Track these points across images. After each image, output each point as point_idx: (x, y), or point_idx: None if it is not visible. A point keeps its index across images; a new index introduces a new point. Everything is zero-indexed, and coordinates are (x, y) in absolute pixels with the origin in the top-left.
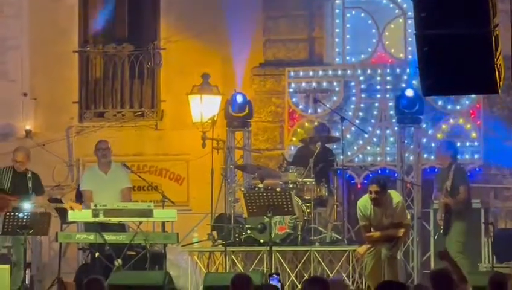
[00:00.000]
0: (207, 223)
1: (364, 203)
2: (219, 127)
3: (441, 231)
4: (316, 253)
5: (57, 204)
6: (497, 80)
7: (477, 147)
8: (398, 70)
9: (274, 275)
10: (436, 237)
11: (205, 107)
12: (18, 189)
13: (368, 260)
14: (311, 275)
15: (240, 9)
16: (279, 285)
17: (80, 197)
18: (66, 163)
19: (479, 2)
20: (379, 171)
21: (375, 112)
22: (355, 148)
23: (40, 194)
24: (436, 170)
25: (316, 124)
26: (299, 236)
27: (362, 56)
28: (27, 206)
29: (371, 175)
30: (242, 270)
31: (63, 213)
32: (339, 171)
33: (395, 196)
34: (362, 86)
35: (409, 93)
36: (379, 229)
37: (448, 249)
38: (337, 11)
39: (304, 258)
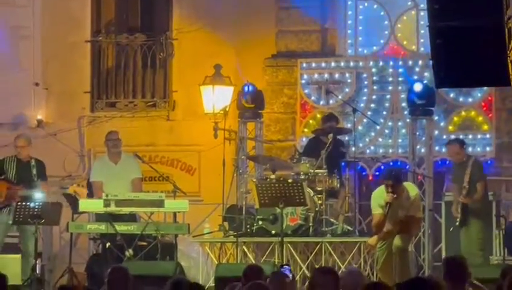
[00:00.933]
0: (218, 214)
1: (380, 193)
2: (231, 118)
3: (457, 224)
4: (327, 244)
5: (63, 191)
6: (510, 73)
7: (489, 140)
8: (410, 63)
9: (285, 266)
10: (451, 229)
11: (217, 98)
12: (23, 177)
13: (379, 254)
14: (323, 266)
15: (252, 0)
16: (290, 276)
17: (90, 188)
18: (77, 153)
19: None
20: (391, 163)
21: (387, 104)
22: (367, 140)
23: (43, 181)
24: (447, 162)
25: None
26: (311, 227)
27: (374, 48)
28: (38, 195)
29: (382, 167)
30: (253, 261)
31: (74, 203)
32: (350, 163)
33: (412, 189)
34: (374, 78)
35: (421, 85)
36: (392, 221)
37: (464, 245)
38: (349, 2)
39: (316, 250)
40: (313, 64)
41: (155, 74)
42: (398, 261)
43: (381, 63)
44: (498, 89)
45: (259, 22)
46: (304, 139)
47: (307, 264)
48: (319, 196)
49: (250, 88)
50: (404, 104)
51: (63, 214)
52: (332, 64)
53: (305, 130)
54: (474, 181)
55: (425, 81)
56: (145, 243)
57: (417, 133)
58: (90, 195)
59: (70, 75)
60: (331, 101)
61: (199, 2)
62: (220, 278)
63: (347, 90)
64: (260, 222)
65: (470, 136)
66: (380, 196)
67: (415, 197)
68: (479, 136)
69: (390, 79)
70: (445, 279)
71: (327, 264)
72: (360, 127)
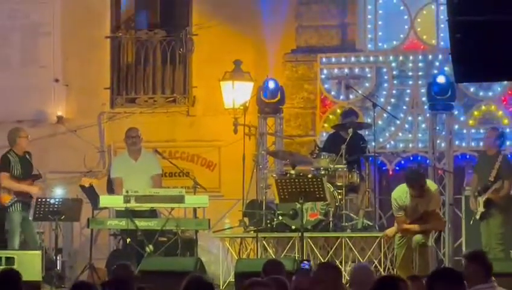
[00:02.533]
0: (238, 209)
1: (399, 194)
2: (251, 113)
3: (477, 217)
4: (347, 239)
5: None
6: None
7: (509, 134)
8: (430, 57)
9: (305, 261)
10: (471, 223)
11: (237, 93)
12: (27, 172)
13: (398, 250)
14: (343, 261)
15: None
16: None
17: (110, 185)
18: (97, 149)
19: None
20: (411, 158)
21: (407, 99)
22: (387, 134)
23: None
24: (467, 156)
25: (346, 109)
26: (331, 222)
27: (394, 42)
28: (59, 191)
29: (402, 162)
30: (273, 257)
31: (94, 199)
32: (370, 158)
33: (431, 185)
34: (394, 73)
35: (441, 80)
36: (413, 218)
37: (484, 238)
38: None
39: (336, 245)
40: (333, 59)
41: (175, 69)
42: (418, 256)
43: (401, 58)
44: None
45: (279, 16)
46: (324, 134)
47: (327, 259)
48: (339, 191)
49: (271, 83)
50: (424, 99)
51: (83, 210)
52: (352, 59)
53: (325, 125)
54: (502, 177)
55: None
56: (165, 239)
57: (437, 128)
58: (111, 191)
59: (90, 71)
60: (351, 96)
61: None
62: (240, 273)
63: (367, 85)
64: (280, 217)
65: None
66: (399, 197)
67: (434, 192)
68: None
69: (410, 74)
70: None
71: (347, 259)
72: (380, 122)
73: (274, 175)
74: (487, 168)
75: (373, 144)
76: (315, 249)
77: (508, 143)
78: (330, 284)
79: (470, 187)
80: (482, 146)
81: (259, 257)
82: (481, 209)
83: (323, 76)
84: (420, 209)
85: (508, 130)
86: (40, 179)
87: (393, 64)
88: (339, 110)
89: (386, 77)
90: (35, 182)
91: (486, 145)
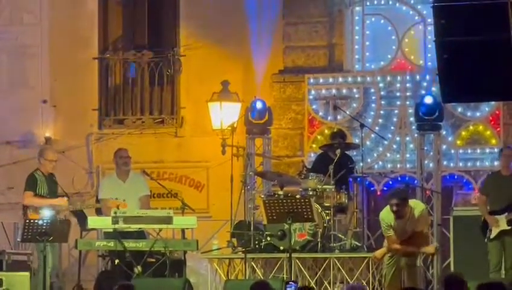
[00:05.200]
0: (227, 230)
1: (386, 214)
2: (239, 134)
3: (491, 236)
4: (335, 260)
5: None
6: None
7: (497, 154)
8: (417, 77)
9: (291, 282)
10: (486, 241)
11: (225, 114)
12: (53, 191)
13: (386, 270)
14: (331, 282)
15: (259, 16)
16: None
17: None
18: (85, 170)
19: (498, 9)
20: (399, 178)
21: (394, 119)
22: (375, 155)
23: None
24: (455, 176)
25: (334, 130)
26: (319, 243)
27: (382, 63)
28: (48, 213)
29: (390, 182)
30: (262, 277)
31: (82, 220)
32: (358, 178)
33: (418, 206)
34: (382, 93)
35: (429, 100)
36: (402, 238)
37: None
38: (356, 17)
39: (324, 265)
40: (321, 80)
41: (163, 90)
42: (406, 276)
43: (388, 78)
44: (506, 103)
45: (267, 37)
46: (312, 154)
47: (315, 279)
48: (327, 211)
49: (258, 104)
50: (412, 119)
51: (72, 232)
52: (340, 79)
53: (313, 145)
54: None
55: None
56: (153, 260)
57: (425, 148)
58: (99, 212)
59: (78, 92)
60: (338, 117)
61: (206, 18)
62: None
63: (355, 105)
64: (268, 238)
65: (478, 151)
66: (387, 217)
67: (421, 212)
68: (487, 151)
69: (398, 94)
70: None
71: (335, 280)
72: (368, 142)
73: (262, 196)
74: (506, 187)
75: (361, 164)
76: (303, 270)
77: (496, 163)
78: None
79: (458, 208)
80: (498, 166)
81: (247, 277)
82: (503, 227)
83: (311, 96)
84: (409, 230)
85: (496, 150)
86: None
87: (381, 85)
88: (326, 131)
89: (373, 98)
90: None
91: (504, 166)
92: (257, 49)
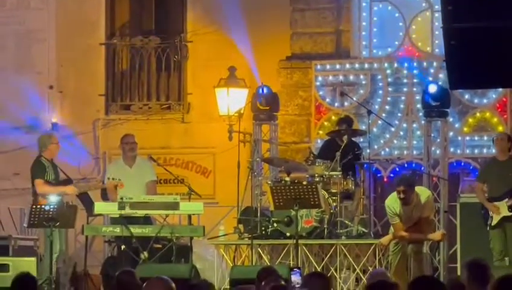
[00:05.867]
0: (233, 216)
1: (392, 201)
2: (246, 120)
3: (492, 223)
4: (342, 246)
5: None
6: None
7: (491, 141)
8: (425, 64)
9: (295, 269)
10: (488, 229)
11: (232, 100)
12: (58, 177)
13: (392, 257)
14: (338, 268)
15: (267, 2)
16: (300, 279)
17: (105, 190)
18: (92, 156)
19: None
20: (405, 165)
21: (401, 106)
22: (381, 141)
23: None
24: (462, 163)
25: (341, 116)
26: (326, 229)
27: (389, 49)
28: (55, 198)
29: (397, 169)
30: (268, 264)
31: (89, 206)
32: (365, 165)
33: (424, 192)
34: (389, 80)
35: (436, 87)
36: (408, 224)
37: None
38: (364, 4)
39: (330, 252)
40: (328, 66)
41: (169, 76)
42: (413, 263)
43: (395, 65)
44: None
45: (274, 23)
46: (319, 141)
47: (321, 266)
48: (334, 198)
49: (265, 90)
50: (419, 106)
51: (78, 217)
52: (347, 66)
53: (320, 132)
54: None
55: (439, 83)
56: (160, 246)
57: (432, 135)
58: (105, 198)
59: (85, 78)
60: (345, 103)
61: (213, 4)
62: (235, 280)
63: (362, 92)
64: (275, 224)
65: (485, 138)
66: (392, 204)
67: (426, 199)
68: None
69: (405, 81)
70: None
71: (342, 266)
72: (374, 129)
73: (269, 182)
74: (502, 173)
75: (368, 151)
76: (310, 256)
77: None
78: None
79: (465, 195)
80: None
81: (253, 264)
82: (504, 213)
83: (318, 83)
84: (415, 216)
85: None
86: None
87: (388, 71)
88: (333, 117)
89: (380, 84)
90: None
91: (498, 157)
92: (264, 36)
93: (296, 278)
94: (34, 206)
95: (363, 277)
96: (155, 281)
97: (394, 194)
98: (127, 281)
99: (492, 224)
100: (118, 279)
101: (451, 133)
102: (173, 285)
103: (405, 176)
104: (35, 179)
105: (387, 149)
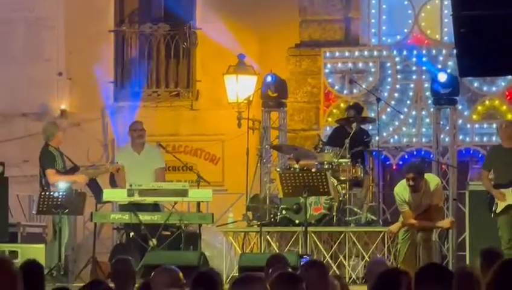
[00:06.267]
0: (242, 204)
1: (401, 189)
2: (255, 107)
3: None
4: (351, 234)
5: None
6: None
7: (496, 129)
8: (434, 52)
9: (305, 256)
10: (492, 216)
11: (241, 87)
12: (65, 165)
13: (401, 245)
14: (347, 256)
15: None
16: None
17: (113, 177)
18: (100, 143)
19: None
20: (414, 153)
21: (410, 93)
22: (390, 129)
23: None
24: (471, 151)
25: (350, 103)
26: (335, 217)
27: (398, 37)
28: (63, 185)
29: (406, 156)
30: (277, 251)
31: (98, 193)
32: (374, 153)
33: (433, 179)
34: (398, 67)
35: (445, 75)
36: (417, 212)
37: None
38: None
39: (339, 239)
40: (337, 54)
41: (178, 63)
42: (422, 251)
43: (404, 52)
44: None
45: (283, 11)
46: (328, 128)
47: (330, 253)
48: (343, 185)
49: (274, 78)
50: (428, 94)
51: (87, 204)
52: (356, 53)
53: (329, 119)
54: None
55: (449, 70)
56: (168, 233)
57: (441, 123)
58: (114, 185)
59: (94, 65)
60: (354, 91)
61: None
62: (244, 267)
63: (371, 79)
64: (284, 212)
65: (494, 125)
66: (401, 192)
67: (436, 186)
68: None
69: (414, 68)
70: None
71: (351, 253)
72: (383, 117)
73: (278, 169)
74: (509, 160)
75: (377, 138)
76: (319, 244)
77: None
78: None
79: (474, 182)
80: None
81: (262, 251)
82: (510, 201)
83: (327, 70)
84: (424, 203)
85: None
86: (79, 171)
87: (397, 59)
88: (342, 105)
89: (389, 72)
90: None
91: (504, 138)
92: (273, 23)
93: None
94: (42, 193)
95: None
96: (162, 271)
97: (403, 181)
98: (122, 269)
99: (497, 211)
100: (113, 267)
101: (460, 121)
102: (181, 274)
103: (414, 163)
104: (47, 170)
105: (396, 137)
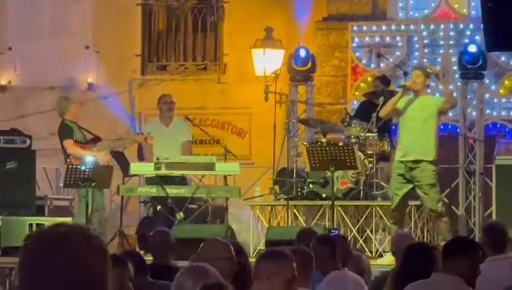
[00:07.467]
0: (269, 177)
1: None
2: (282, 81)
3: None
4: (378, 208)
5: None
6: None
7: None
8: (461, 26)
9: (333, 230)
10: None
11: (268, 61)
12: (84, 136)
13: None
14: (373, 230)
15: None
16: None
17: (141, 151)
18: (128, 116)
19: None
20: (441, 127)
21: (437, 68)
22: None
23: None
24: (498, 125)
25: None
26: (361, 191)
27: (425, 11)
28: (90, 159)
29: None
30: (304, 225)
31: (125, 166)
32: None
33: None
34: (425, 41)
35: (472, 48)
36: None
37: None
38: None
39: (366, 213)
40: (364, 28)
41: (206, 37)
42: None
43: (432, 27)
44: None
45: None
46: (355, 102)
47: (357, 227)
48: (370, 159)
49: (302, 51)
50: (455, 68)
51: (114, 177)
52: (383, 27)
53: (356, 93)
54: None
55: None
56: (195, 206)
57: (468, 97)
58: (141, 158)
59: (121, 38)
60: (381, 65)
61: None
62: (271, 241)
63: (398, 53)
64: (311, 185)
65: None
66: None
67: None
68: None
69: (441, 42)
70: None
71: (378, 227)
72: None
73: (305, 143)
74: None
75: None
76: (345, 218)
77: None
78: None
79: (501, 157)
80: None
81: (289, 225)
82: None
83: (354, 44)
84: None
85: None
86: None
87: (424, 33)
88: (369, 78)
89: (417, 46)
90: (97, 144)
91: None
92: None
93: None
94: (69, 166)
95: None
96: (213, 242)
97: None
98: (161, 241)
99: None
100: (152, 240)
101: (487, 95)
102: (232, 248)
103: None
104: (64, 140)
105: None
